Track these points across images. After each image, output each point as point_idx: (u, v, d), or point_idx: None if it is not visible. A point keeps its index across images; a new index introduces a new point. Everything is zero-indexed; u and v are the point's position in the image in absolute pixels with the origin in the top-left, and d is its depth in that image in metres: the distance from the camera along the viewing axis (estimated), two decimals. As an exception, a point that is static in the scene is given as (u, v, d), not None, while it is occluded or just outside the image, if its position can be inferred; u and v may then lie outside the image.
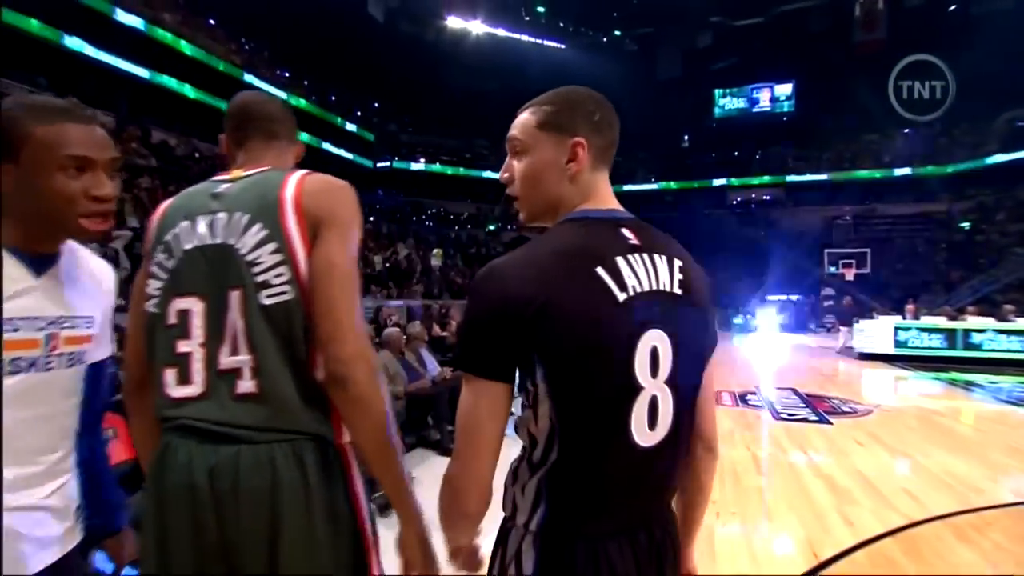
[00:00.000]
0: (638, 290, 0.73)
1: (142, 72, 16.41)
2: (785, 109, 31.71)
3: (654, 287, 0.75)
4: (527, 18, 31.10)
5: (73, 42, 14.59)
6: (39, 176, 0.82)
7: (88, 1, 14.89)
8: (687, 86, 31.27)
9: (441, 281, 15.53)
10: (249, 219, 0.92)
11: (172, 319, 0.92)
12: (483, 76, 29.12)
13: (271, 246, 0.90)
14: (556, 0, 30.37)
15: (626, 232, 0.78)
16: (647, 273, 0.75)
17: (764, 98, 32.09)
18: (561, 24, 31.71)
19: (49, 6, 13.76)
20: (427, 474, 3.66)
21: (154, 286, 0.94)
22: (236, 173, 1.01)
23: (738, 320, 21.48)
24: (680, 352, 0.75)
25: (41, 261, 0.88)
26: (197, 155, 16.70)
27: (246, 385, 0.87)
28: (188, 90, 17.90)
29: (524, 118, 0.83)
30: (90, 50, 15.04)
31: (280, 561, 0.83)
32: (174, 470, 0.85)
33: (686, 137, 34.65)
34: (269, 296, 0.89)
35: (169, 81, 17.24)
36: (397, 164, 28.34)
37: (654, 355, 0.72)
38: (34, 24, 13.54)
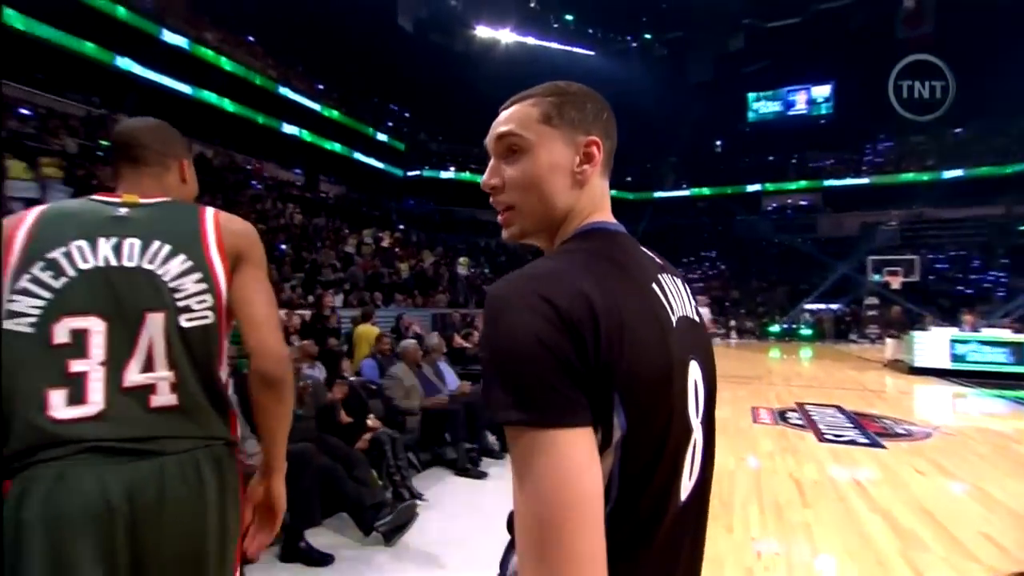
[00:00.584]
0: (679, 314, 0.61)
1: (185, 88, 17.16)
2: (823, 112, 30.65)
3: (684, 313, 0.64)
4: (556, 26, 31.08)
5: (124, 63, 15.45)
6: None
7: (138, 24, 15.78)
8: (719, 90, 30.62)
9: (467, 290, 15.43)
10: (171, 250, 0.99)
11: (61, 338, 0.90)
12: (513, 85, 28.33)
13: (196, 276, 1.00)
14: (585, 7, 30.23)
15: (646, 250, 0.68)
16: (679, 296, 0.64)
17: (800, 100, 31.12)
18: (590, 31, 31.58)
19: (103, 30, 14.66)
20: (442, 495, 3.47)
21: (29, 303, 0.90)
22: (129, 198, 1.05)
23: (775, 329, 20.60)
24: (708, 387, 0.64)
25: None
26: (233, 166, 17.15)
27: (164, 399, 0.94)
28: (227, 104, 18.55)
29: (520, 111, 0.67)
30: (138, 69, 15.87)
31: (208, 558, 0.92)
32: (77, 498, 0.84)
33: (719, 142, 33.90)
34: (189, 319, 0.98)
35: (209, 96, 17.92)
36: (427, 173, 28.61)
37: (696, 390, 0.60)
38: (89, 47, 14.48)
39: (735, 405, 6.78)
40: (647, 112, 30.82)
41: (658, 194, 32.66)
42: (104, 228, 0.98)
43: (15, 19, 12.88)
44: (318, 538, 2.73)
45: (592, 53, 31.70)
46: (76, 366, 0.90)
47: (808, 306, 21.88)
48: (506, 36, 30.01)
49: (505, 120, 0.68)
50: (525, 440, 0.47)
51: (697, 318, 0.68)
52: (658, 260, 0.68)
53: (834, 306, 21.61)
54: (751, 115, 32.28)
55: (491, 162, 0.69)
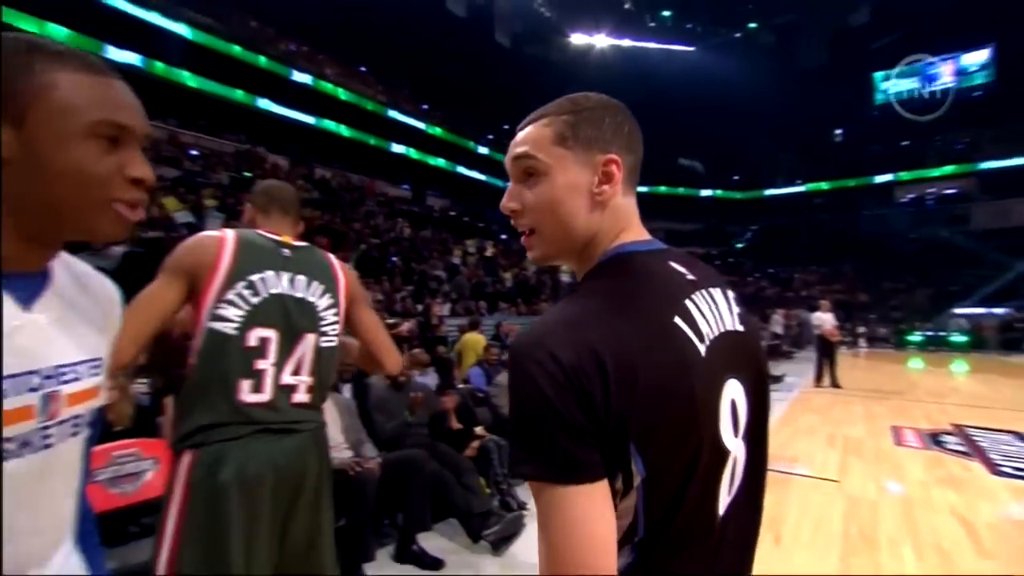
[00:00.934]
0: (711, 337, 0.60)
1: (309, 119, 19.25)
2: (977, 82, 26.26)
3: (722, 329, 0.62)
4: (652, 25, 30.21)
5: (263, 103, 17.95)
6: (56, 146, 0.53)
7: (273, 68, 18.30)
8: (837, 73, 27.72)
9: (568, 297, 15.33)
10: (323, 289, 1.36)
11: (252, 342, 1.22)
12: (608, 89, 28.32)
13: (333, 311, 1.37)
14: (683, 2, 29.04)
15: (677, 267, 0.65)
16: (713, 314, 0.62)
17: (945, 72, 26.92)
18: (689, 26, 30.29)
19: (248, 77, 17.27)
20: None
21: (234, 312, 1.21)
22: (285, 239, 1.38)
23: (915, 338, 17.93)
24: (754, 399, 0.63)
25: (28, 284, 0.58)
26: (349, 186, 18.68)
27: (301, 397, 1.29)
28: (343, 130, 20.42)
29: (535, 132, 0.65)
30: (274, 107, 18.27)
31: (323, 494, 1.31)
32: (256, 465, 1.18)
33: (838, 131, 30.62)
34: (325, 341, 1.34)
35: (329, 124, 19.89)
36: (526, 182, 29.09)
37: (734, 410, 0.60)
38: (239, 94, 17.24)
39: (870, 423, 6.00)
40: (754, 106, 28.75)
41: (769, 192, 30.35)
42: (281, 264, 1.31)
43: (189, 79, 15.76)
44: (429, 542, 2.81)
45: (691, 49, 30.37)
46: (259, 364, 1.22)
47: (960, 310, 18.80)
48: (601, 41, 29.73)
49: (520, 142, 0.66)
50: (537, 492, 0.51)
51: (741, 327, 0.65)
52: (690, 276, 0.64)
53: (998, 310, 18.32)
54: (878, 97, 28.65)
55: (510, 185, 0.67)
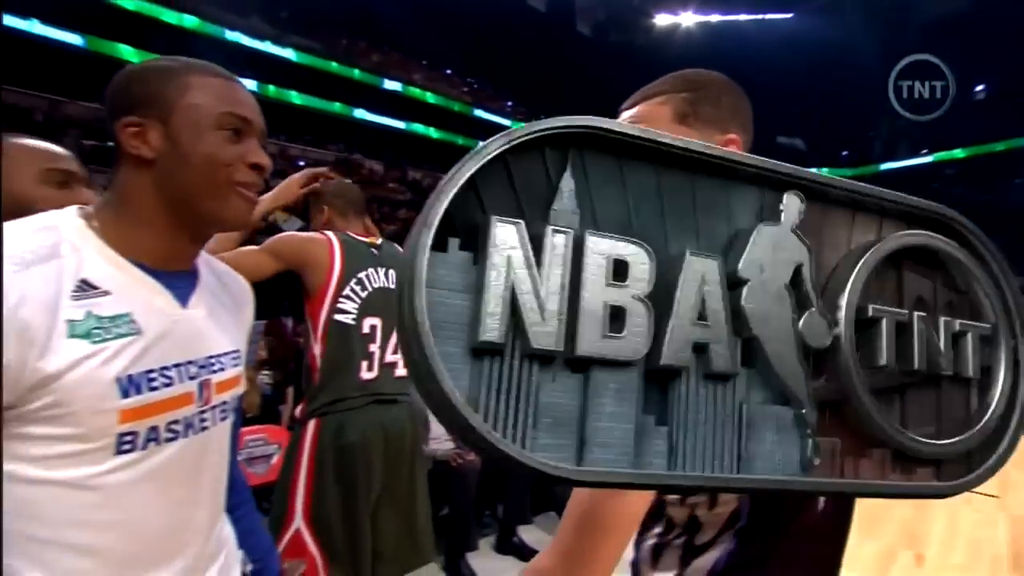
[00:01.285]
0: None
1: (399, 124, 20.28)
2: None
3: None
4: (745, -6, 28.15)
5: (359, 112, 19.29)
6: (193, 136, 0.61)
7: (367, 80, 19.60)
8: (977, 20, 23.81)
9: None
10: None
11: (366, 330, 1.49)
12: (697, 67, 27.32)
13: None
14: (781, -36, 26.76)
15: None
16: None
17: None
18: (788, -10, 27.81)
19: (345, 90, 18.68)
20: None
21: (350, 305, 1.48)
22: (371, 240, 1.62)
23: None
24: None
25: (183, 283, 0.66)
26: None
27: (401, 371, 1.54)
28: (432, 132, 21.25)
29: (650, 109, 0.60)
30: (368, 116, 19.53)
31: (417, 455, 1.62)
32: (372, 429, 1.48)
33: (980, 87, 26.27)
34: None
35: (418, 127, 20.79)
36: (611, 172, 28.48)
37: None
38: (337, 106, 18.71)
39: (1033, 429, 5.13)
40: (865, 71, 25.71)
41: (886, 166, 27.02)
42: (376, 261, 1.56)
43: (295, 97, 17.43)
44: (529, 534, 2.83)
45: (789, 16, 27.83)
46: (371, 348, 1.49)
47: None
48: (688, 19, 28.23)
49: (632, 120, 0.60)
50: None
51: None
52: None
53: None
54: (1039, 40, 24.02)
55: None
